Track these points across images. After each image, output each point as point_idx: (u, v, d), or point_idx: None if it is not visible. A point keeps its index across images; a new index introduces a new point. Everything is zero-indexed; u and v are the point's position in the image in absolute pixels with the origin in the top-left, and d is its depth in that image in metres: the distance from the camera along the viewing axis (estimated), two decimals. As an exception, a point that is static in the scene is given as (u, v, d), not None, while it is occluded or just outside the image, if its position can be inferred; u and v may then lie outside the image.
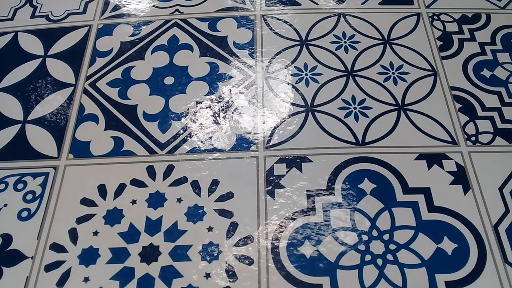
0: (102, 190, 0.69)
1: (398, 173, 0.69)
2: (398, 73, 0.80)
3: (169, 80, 0.81)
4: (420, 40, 0.84)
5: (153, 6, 0.92)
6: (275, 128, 0.75)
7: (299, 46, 0.84)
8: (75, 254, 0.64)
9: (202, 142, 0.74)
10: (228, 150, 0.73)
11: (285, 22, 0.88)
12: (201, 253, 0.63)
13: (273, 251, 0.62)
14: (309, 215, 0.66)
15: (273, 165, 0.70)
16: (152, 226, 0.66)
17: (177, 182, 0.70)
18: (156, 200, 0.68)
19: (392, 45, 0.84)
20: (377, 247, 0.62)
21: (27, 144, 0.74)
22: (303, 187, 0.68)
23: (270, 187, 0.68)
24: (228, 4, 0.91)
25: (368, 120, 0.75)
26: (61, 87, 0.81)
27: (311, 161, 0.70)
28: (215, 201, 0.68)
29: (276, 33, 0.86)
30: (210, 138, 0.74)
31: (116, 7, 0.92)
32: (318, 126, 0.74)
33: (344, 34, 0.85)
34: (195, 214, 0.66)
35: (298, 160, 0.71)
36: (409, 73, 0.80)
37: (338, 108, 0.76)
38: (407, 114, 0.75)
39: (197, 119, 0.76)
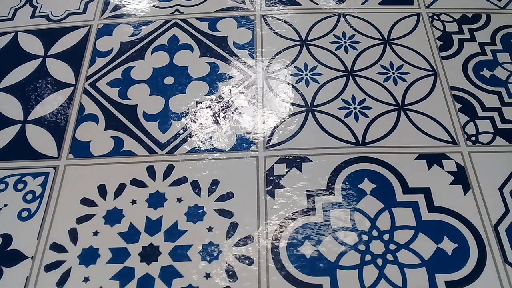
0: (102, 190, 0.69)
1: (398, 173, 0.69)
2: (398, 73, 0.80)
3: (169, 80, 0.81)
4: (420, 40, 0.84)
5: (153, 6, 0.92)
6: (275, 128, 0.75)
7: (299, 46, 0.84)
8: (75, 254, 0.64)
9: (202, 142, 0.74)
10: (228, 150, 0.73)
11: (285, 22, 0.88)
12: (201, 253, 0.63)
13: (273, 251, 0.62)
14: (309, 215, 0.66)
15: (273, 165, 0.70)
16: (152, 226, 0.66)
17: (177, 182, 0.70)
18: (156, 200, 0.68)
19: (392, 45, 0.84)
20: (377, 247, 0.62)
21: (27, 144, 0.74)
22: (303, 187, 0.68)
23: (270, 187, 0.68)
24: (228, 4, 0.91)
25: (368, 120, 0.75)
26: (61, 87, 0.81)
27: (311, 161, 0.70)
28: (215, 201, 0.68)
29: (276, 33, 0.86)
30: (210, 138, 0.74)
31: (116, 7, 0.92)
32: (318, 126, 0.74)
33: (344, 34, 0.85)
34: (195, 214, 0.66)
35: (298, 160, 0.71)
36: (409, 73, 0.80)
37: (338, 108, 0.76)
38: (407, 114, 0.75)
39: (197, 119, 0.76)
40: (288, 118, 0.76)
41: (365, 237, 0.63)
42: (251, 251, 0.63)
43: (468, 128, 0.73)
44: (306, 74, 0.81)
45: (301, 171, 0.70)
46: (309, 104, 0.77)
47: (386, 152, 0.71)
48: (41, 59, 0.85)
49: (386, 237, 0.63)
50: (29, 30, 0.90)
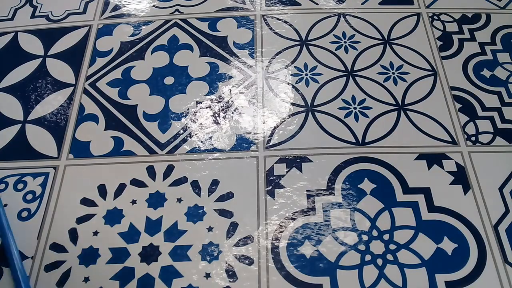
0: (102, 190, 0.69)
1: (398, 173, 0.69)
2: (398, 73, 0.80)
3: (169, 80, 0.81)
4: (420, 40, 0.84)
5: (153, 6, 0.92)
6: (275, 128, 0.75)
7: (299, 46, 0.84)
8: (75, 254, 0.64)
9: (202, 142, 0.74)
10: (228, 150, 0.73)
11: (285, 22, 0.88)
12: (201, 253, 0.63)
13: (273, 251, 0.62)
14: (309, 215, 0.66)
15: (273, 165, 0.70)
16: (152, 226, 0.66)
17: (177, 182, 0.70)
18: (156, 200, 0.68)
19: (392, 45, 0.84)
20: (377, 247, 0.62)
21: (27, 144, 0.74)
22: (303, 187, 0.68)
23: (270, 187, 0.68)
24: (228, 4, 0.91)
25: (368, 120, 0.75)
26: (61, 87, 0.81)
27: (311, 161, 0.70)
28: (215, 201, 0.68)
29: (276, 33, 0.86)
30: (210, 138, 0.74)
31: (116, 7, 0.92)
32: (318, 126, 0.74)
33: (344, 34, 0.85)
34: (195, 214, 0.66)
35: (298, 160, 0.71)
36: (409, 73, 0.80)
37: (338, 108, 0.76)
38: (407, 114, 0.75)
39: (197, 119, 0.76)
40: (288, 118, 0.76)
41: (365, 237, 0.63)
42: (251, 251, 0.63)
43: (468, 128, 0.73)
44: (306, 74, 0.81)
45: (301, 171, 0.70)
46: (309, 104, 0.77)
47: (386, 152, 0.71)
48: (41, 59, 0.85)
49: (386, 237, 0.63)
50: (29, 30, 0.90)
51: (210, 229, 0.65)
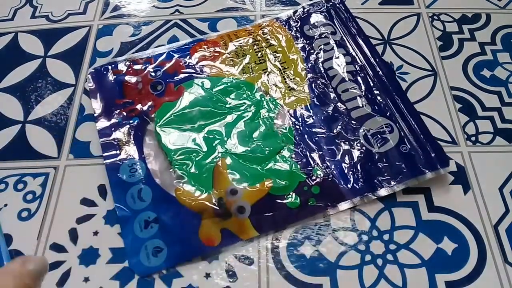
0: (102, 190, 0.69)
1: (398, 173, 0.68)
2: (398, 73, 0.80)
3: (169, 80, 0.81)
4: (420, 40, 0.84)
5: (153, 6, 0.92)
6: (275, 128, 0.74)
7: (299, 46, 0.84)
8: (75, 254, 0.64)
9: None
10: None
11: (285, 22, 0.88)
12: (201, 253, 0.63)
13: (273, 251, 0.62)
14: (309, 215, 0.65)
15: (273, 165, 0.70)
16: (152, 226, 0.65)
17: (177, 182, 0.69)
18: (156, 200, 0.68)
19: (392, 45, 0.84)
20: (377, 247, 0.62)
21: (27, 144, 0.74)
22: (303, 187, 0.68)
23: (270, 187, 0.68)
24: (228, 4, 0.91)
25: (368, 120, 0.75)
26: (61, 87, 0.81)
27: (311, 161, 0.70)
28: (215, 201, 0.67)
29: (276, 33, 0.86)
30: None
31: (116, 8, 0.93)
32: (318, 126, 0.74)
33: (344, 34, 0.85)
34: (195, 214, 0.66)
35: (298, 160, 0.71)
36: (409, 73, 0.80)
37: (338, 108, 0.76)
38: (407, 114, 0.75)
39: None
40: (288, 118, 0.75)
41: (365, 237, 0.63)
42: (251, 251, 0.63)
43: (468, 128, 0.73)
44: (306, 74, 0.80)
45: (301, 171, 0.70)
46: (309, 104, 0.77)
47: (386, 152, 0.71)
48: (41, 59, 0.85)
49: (386, 237, 0.63)
50: (29, 30, 0.90)
51: (210, 229, 0.65)
